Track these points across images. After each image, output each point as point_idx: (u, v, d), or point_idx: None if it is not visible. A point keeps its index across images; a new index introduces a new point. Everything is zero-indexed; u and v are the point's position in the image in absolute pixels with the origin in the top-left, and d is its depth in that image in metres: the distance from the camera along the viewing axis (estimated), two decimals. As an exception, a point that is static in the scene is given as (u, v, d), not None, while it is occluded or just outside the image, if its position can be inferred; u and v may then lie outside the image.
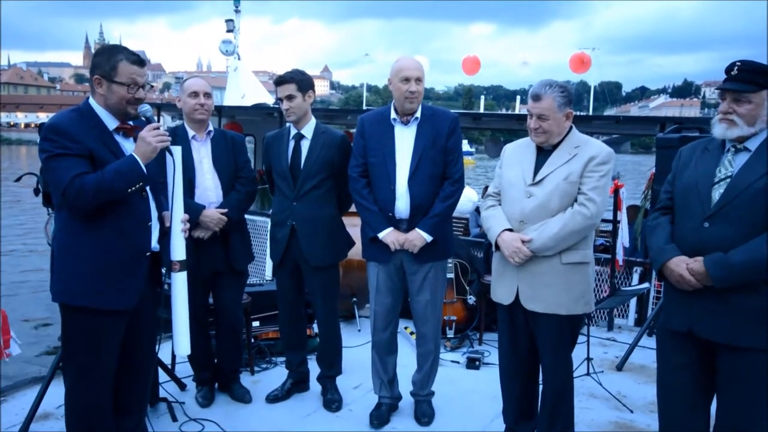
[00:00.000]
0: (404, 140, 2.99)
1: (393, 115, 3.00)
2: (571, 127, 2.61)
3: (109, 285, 2.27)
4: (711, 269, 2.05)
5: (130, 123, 2.38)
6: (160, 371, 3.33)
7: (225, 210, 3.15)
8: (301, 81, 3.16)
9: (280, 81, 3.18)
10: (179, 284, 2.43)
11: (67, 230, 2.28)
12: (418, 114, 2.99)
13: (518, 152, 2.70)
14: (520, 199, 2.59)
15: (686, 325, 2.18)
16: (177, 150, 2.43)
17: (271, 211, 3.53)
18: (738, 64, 2.07)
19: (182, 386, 3.50)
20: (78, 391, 2.35)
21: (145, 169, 2.25)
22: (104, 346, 2.33)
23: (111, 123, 2.33)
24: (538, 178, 2.57)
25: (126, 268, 2.31)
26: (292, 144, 3.24)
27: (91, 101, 2.33)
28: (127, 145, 2.35)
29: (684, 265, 2.12)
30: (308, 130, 3.23)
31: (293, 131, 3.25)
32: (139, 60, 2.32)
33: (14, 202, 19.08)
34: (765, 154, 2.06)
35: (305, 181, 3.18)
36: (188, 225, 2.49)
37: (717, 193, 2.11)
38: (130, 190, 2.23)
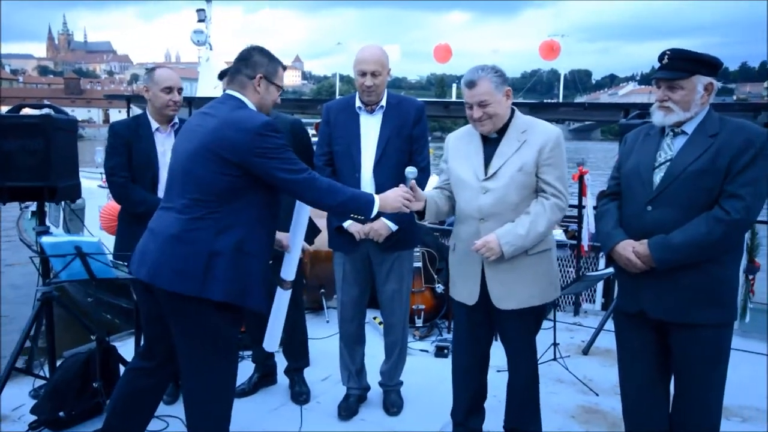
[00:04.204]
0: (370, 128, 2.95)
1: (358, 103, 2.96)
2: (513, 110, 2.53)
3: (264, 285, 2.24)
4: (653, 251, 2.12)
5: None
6: (122, 368, 3.25)
7: None
8: None
9: (224, 75, 3.09)
10: (284, 300, 2.51)
11: (230, 231, 2.13)
12: (384, 102, 2.95)
13: (463, 144, 2.60)
14: (476, 196, 2.48)
15: (637, 306, 2.25)
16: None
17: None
18: (668, 53, 2.14)
19: (146, 383, 3.43)
20: (218, 386, 2.24)
21: (372, 212, 2.32)
22: (236, 348, 2.33)
23: None
24: (490, 172, 2.47)
25: (269, 268, 2.31)
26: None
27: (246, 101, 2.28)
28: None
29: (630, 248, 2.19)
30: None
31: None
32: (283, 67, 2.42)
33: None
34: (701, 136, 2.13)
35: None
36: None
37: (658, 176, 2.18)
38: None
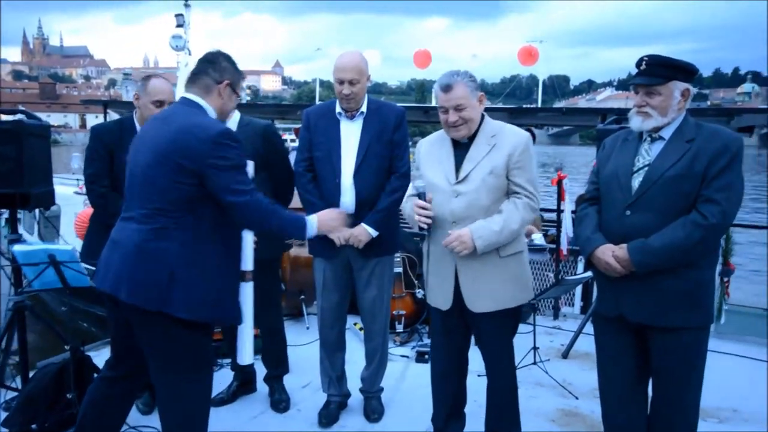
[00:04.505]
0: (350, 134, 2.95)
1: (338, 108, 2.96)
2: (483, 116, 2.55)
3: (232, 298, 2.21)
4: (633, 255, 2.14)
5: None
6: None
7: None
8: None
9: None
10: (248, 294, 2.40)
11: (193, 242, 2.09)
12: (364, 108, 2.95)
13: (434, 150, 2.62)
14: (448, 200, 2.50)
15: (616, 310, 2.27)
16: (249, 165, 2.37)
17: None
18: (645, 59, 2.18)
19: (122, 393, 3.37)
20: (192, 399, 2.19)
21: (306, 235, 2.34)
22: (208, 360, 2.29)
23: None
24: (461, 175, 2.49)
25: (237, 281, 2.27)
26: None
27: (206, 106, 2.22)
28: None
29: (610, 253, 2.20)
30: (232, 123, 3.10)
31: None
32: None
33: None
34: (678, 142, 2.16)
35: None
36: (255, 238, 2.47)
37: (636, 181, 2.21)
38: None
